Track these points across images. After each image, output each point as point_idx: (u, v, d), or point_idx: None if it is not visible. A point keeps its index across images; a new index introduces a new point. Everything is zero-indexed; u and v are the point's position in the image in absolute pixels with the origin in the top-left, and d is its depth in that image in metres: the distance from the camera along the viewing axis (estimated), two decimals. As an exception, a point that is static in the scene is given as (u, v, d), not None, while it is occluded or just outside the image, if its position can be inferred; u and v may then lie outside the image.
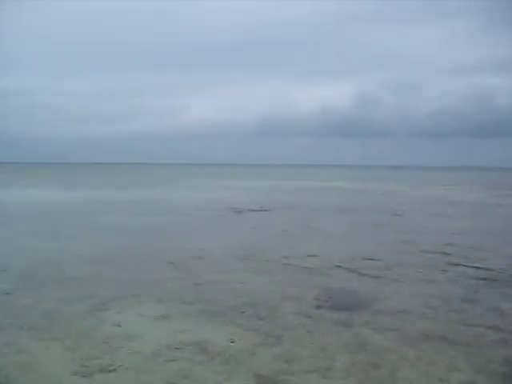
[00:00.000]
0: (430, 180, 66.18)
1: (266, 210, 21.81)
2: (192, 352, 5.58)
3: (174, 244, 12.63)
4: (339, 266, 10.17)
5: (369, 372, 5.11)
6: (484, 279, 9.15)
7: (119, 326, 6.43)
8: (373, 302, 7.64)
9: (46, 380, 4.87)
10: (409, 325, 6.59)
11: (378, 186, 47.55)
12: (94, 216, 18.59)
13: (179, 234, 14.53)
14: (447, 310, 7.28)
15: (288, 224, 17.02)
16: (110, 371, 5.06)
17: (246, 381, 4.90)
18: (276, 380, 4.91)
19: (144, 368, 5.15)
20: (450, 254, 11.52)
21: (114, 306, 7.28)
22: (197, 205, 23.70)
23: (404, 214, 20.78)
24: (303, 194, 33.97)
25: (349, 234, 15.18)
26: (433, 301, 7.73)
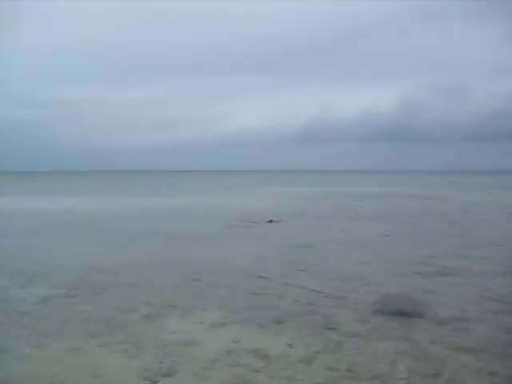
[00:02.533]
0: (482, 184, 64.63)
1: (325, 217, 21.72)
2: (250, 358, 5.61)
3: (231, 251, 12.75)
4: (398, 272, 10.08)
5: (430, 381, 5.04)
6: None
7: (177, 332, 6.51)
8: (433, 308, 7.52)
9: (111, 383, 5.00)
10: (470, 332, 6.47)
11: (431, 191, 46.70)
12: (147, 222, 18.92)
13: (233, 242, 14.63)
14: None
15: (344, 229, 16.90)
16: (171, 377, 5.14)
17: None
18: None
19: (203, 374, 5.19)
20: None
21: (170, 312, 7.39)
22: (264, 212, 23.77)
23: (459, 222, 20.40)
24: (362, 198, 33.69)
25: (409, 239, 15.01)
26: (493, 305, 7.62)
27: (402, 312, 7.24)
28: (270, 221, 19.60)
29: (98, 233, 16.54)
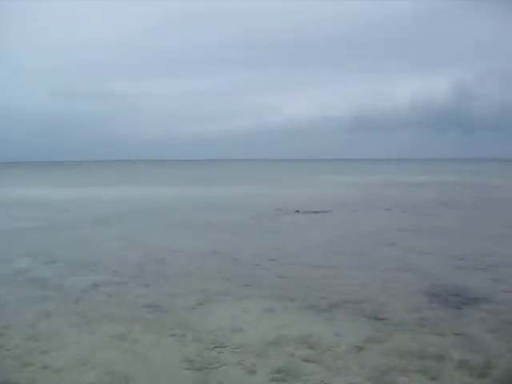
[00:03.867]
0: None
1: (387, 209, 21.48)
2: (298, 346, 5.58)
3: (278, 241, 12.75)
4: (449, 263, 9.87)
5: (480, 373, 4.91)
6: None
7: (226, 319, 6.54)
8: (488, 299, 7.33)
9: (160, 370, 5.04)
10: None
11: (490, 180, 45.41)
12: (201, 212, 19.11)
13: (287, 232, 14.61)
14: None
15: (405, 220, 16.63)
16: (219, 364, 5.17)
17: (355, 376, 4.84)
18: (386, 377, 4.81)
19: (251, 361, 5.21)
20: None
21: (221, 300, 7.44)
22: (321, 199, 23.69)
23: None
24: (423, 189, 33.08)
25: (459, 228, 14.66)
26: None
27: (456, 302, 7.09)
28: (317, 211, 19.40)
29: (157, 222, 16.78)
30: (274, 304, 7.21)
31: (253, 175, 61.18)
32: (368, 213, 18.87)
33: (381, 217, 17.55)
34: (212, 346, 5.65)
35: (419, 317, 6.57)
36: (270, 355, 5.38)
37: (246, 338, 5.90)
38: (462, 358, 5.22)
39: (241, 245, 12.07)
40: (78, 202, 24.53)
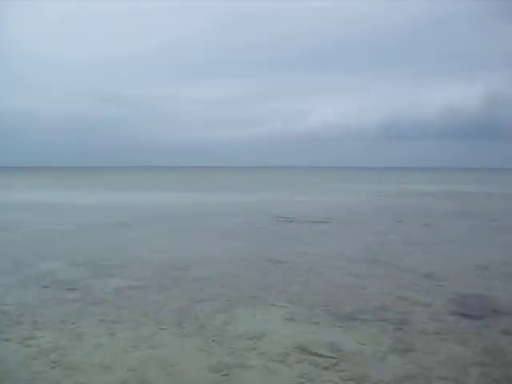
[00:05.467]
0: None
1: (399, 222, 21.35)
2: (320, 355, 5.57)
3: (301, 248, 12.73)
4: (473, 272, 9.76)
5: (504, 384, 4.85)
6: None
7: (249, 325, 6.56)
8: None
9: (183, 375, 5.07)
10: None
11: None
12: (223, 218, 19.19)
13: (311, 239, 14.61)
14: None
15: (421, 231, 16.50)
16: (241, 370, 5.17)
17: (376, 386, 4.82)
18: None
19: (272, 369, 5.21)
20: None
21: (242, 306, 7.46)
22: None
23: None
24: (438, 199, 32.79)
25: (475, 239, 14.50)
26: None
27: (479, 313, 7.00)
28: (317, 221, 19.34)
29: (179, 227, 16.91)
30: (297, 310, 7.21)
31: (275, 182, 61.32)
32: (390, 221, 18.72)
33: (402, 225, 17.40)
34: (234, 351, 5.68)
35: (442, 326, 6.52)
36: (292, 361, 5.39)
37: (269, 344, 5.91)
38: (484, 371, 5.15)
39: (263, 250, 12.07)
40: (103, 206, 24.85)
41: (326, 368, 5.23)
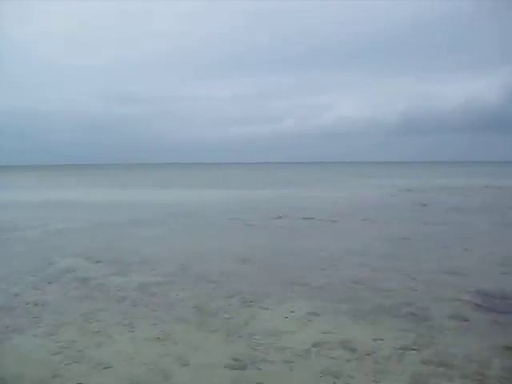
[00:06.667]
0: None
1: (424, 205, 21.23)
2: (340, 350, 5.57)
3: (322, 243, 12.72)
4: (496, 268, 9.67)
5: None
6: None
7: (269, 321, 6.58)
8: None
9: (203, 371, 5.11)
10: None
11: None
12: (241, 213, 19.25)
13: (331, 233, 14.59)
14: None
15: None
16: (261, 366, 5.20)
17: (395, 382, 4.80)
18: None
19: (294, 365, 5.22)
20: None
21: (263, 302, 7.47)
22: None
23: None
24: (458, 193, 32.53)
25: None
26: None
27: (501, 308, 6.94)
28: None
29: (201, 224, 17.00)
30: (318, 306, 7.22)
31: (294, 178, 61.25)
32: (413, 215, 18.61)
33: (424, 218, 17.27)
34: (254, 347, 5.70)
35: (463, 322, 6.48)
36: (312, 357, 5.40)
37: (289, 339, 5.92)
38: (506, 365, 5.11)
39: (283, 246, 12.08)
40: (121, 204, 25.06)
41: (347, 363, 5.23)
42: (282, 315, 6.86)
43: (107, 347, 5.75)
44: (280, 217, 18.23)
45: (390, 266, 9.88)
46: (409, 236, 13.62)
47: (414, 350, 5.57)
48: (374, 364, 5.20)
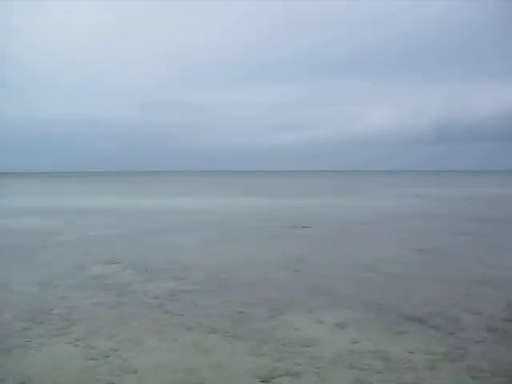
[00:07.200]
0: None
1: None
2: (371, 361, 5.52)
3: (353, 252, 12.66)
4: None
5: None
6: None
7: (299, 330, 6.57)
8: None
9: (234, 380, 5.12)
10: None
11: None
12: (273, 222, 19.27)
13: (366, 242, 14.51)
14: None
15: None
16: (292, 376, 5.17)
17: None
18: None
19: (324, 374, 5.19)
20: None
21: (293, 310, 7.46)
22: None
23: None
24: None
25: None
26: None
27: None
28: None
29: (233, 231, 17.08)
30: (348, 315, 7.18)
31: (326, 186, 60.95)
32: (451, 224, 18.38)
33: (462, 229, 17.05)
34: (285, 356, 5.68)
35: (497, 334, 6.37)
36: (342, 367, 5.36)
37: (319, 349, 5.90)
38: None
39: (315, 255, 12.06)
40: (160, 211, 25.40)
41: (378, 374, 5.19)
42: (312, 324, 6.85)
43: (138, 354, 5.79)
44: (309, 226, 18.20)
45: (419, 274, 9.79)
46: (439, 246, 13.48)
47: (445, 361, 5.50)
48: (405, 375, 5.14)
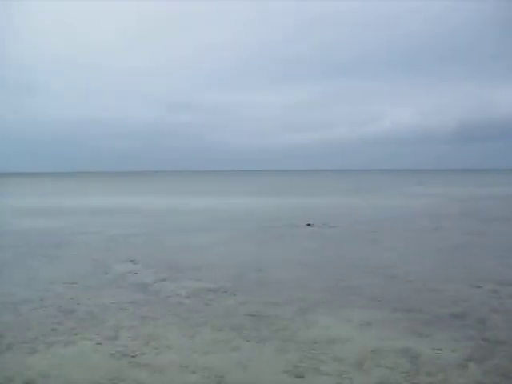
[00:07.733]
0: None
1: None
2: (397, 360, 5.46)
3: (373, 252, 12.58)
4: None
5: None
6: None
7: (325, 329, 6.53)
8: None
9: (258, 378, 5.10)
10: None
11: None
12: (295, 221, 19.24)
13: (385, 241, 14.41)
14: None
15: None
16: (317, 374, 5.15)
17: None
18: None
19: (350, 373, 5.15)
20: None
21: (320, 309, 7.42)
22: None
23: None
24: None
25: None
26: None
27: None
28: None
29: (256, 231, 17.08)
30: (374, 314, 7.13)
31: (346, 186, 60.76)
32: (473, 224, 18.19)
33: (484, 228, 16.84)
34: (311, 355, 5.65)
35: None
36: (368, 367, 5.31)
37: (345, 348, 5.86)
38: None
39: (338, 255, 12.02)
40: (179, 210, 25.55)
41: (404, 374, 5.13)
42: (338, 323, 6.81)
43: (163, 353, 5.79)
44: (335, 226, 18.13)
45: (444, 274, 9.70)
46: (461, 244, 13.37)
47: (473, 361, 5.42)
48: (432, 375, 5.07)
